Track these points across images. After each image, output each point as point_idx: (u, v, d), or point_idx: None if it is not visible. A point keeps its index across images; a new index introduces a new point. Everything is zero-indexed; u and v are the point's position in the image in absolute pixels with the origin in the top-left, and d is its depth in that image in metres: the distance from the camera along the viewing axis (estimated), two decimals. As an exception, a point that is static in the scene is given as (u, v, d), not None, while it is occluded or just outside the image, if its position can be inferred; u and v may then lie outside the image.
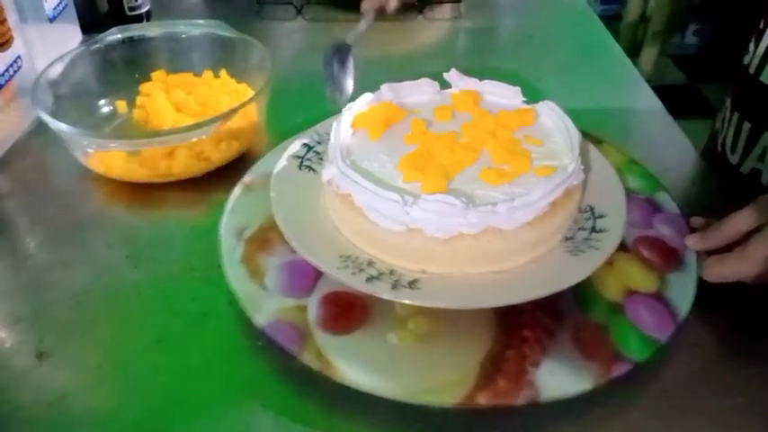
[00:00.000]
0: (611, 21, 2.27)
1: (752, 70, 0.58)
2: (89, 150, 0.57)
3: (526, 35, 0.88)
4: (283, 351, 0.41)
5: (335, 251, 0.45)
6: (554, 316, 0.43)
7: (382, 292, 0.41)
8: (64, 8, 0.76)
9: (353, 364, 0.40)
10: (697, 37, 2.39)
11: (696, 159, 0.63)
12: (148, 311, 0.47)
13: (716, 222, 0.46)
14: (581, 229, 0.47)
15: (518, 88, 0.54)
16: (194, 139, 0.56)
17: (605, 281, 0.45)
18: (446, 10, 0.91)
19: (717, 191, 0.59)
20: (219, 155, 0.58)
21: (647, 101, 0.72)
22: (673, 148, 0.65)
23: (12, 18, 0.62)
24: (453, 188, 0.44)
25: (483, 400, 0.38)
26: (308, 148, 0.55)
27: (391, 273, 0.43)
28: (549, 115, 0.51)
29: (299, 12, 0.89)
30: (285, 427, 0.39)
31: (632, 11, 2.28)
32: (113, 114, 0.65)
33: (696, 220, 0.49)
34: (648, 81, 0.75)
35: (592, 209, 0.48)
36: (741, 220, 0.44)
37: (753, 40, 0.59)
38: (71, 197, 0.58)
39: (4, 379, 0.42)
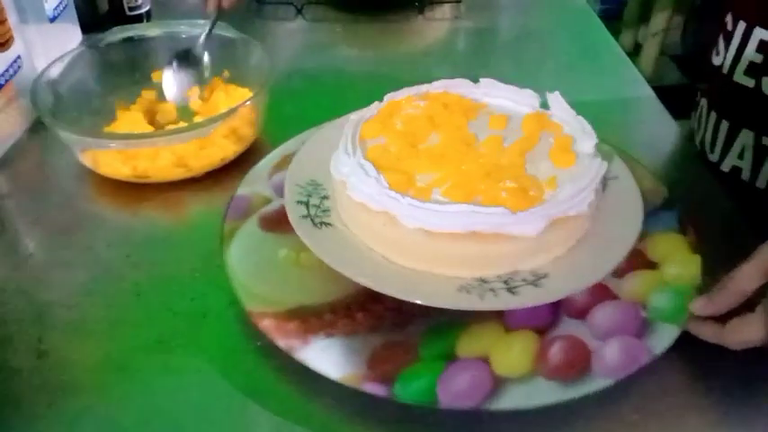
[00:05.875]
0: (611, 20, 2.27)
1: (725, 70, 0.57)
2: (88, 150, 0.57)
3: (526, 35, 0.88)
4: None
5: (308, 177, 0.50)
6: (377, 317, 0.43)
7: (296, 223, 0.46)
8: (64, 8, 0.76)
9: (235, 249, 0.47)
10: (697, 37, 2.39)
11: (695, 158, 0.63)
12: (148, 311, 0.47)
13: (718, 285, 0.41)
14: (506, 281, 0.42)
15: (593, 134, 0.48)
16: (192, 139, 0.56)
17: (466, 334, 0.42)
18: (446, 10, 0.91)
19: (713, 188, 0.58)
20: (200, 162, 0.57)
21: (647, 101, 0.72)
22: (672, 148, 0.65)
23: (12, 18, 0.62)
24: (413, 176, 0.45)
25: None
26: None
27: (324, 212, 0.48)
28: (593, 169, 0.45)
29: (299, 12, 0.89)
30: (285, 427, 0.39)
31: (632, 10, 2.28)
32: (113, 115, 0.65)
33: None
34: (648, 81, 0.75)
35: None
36: (747, 278, 0.40)
37: (721, 40, 0.58)
38: (71, 197, 0.59)
39: (4, 379, 0.42)
